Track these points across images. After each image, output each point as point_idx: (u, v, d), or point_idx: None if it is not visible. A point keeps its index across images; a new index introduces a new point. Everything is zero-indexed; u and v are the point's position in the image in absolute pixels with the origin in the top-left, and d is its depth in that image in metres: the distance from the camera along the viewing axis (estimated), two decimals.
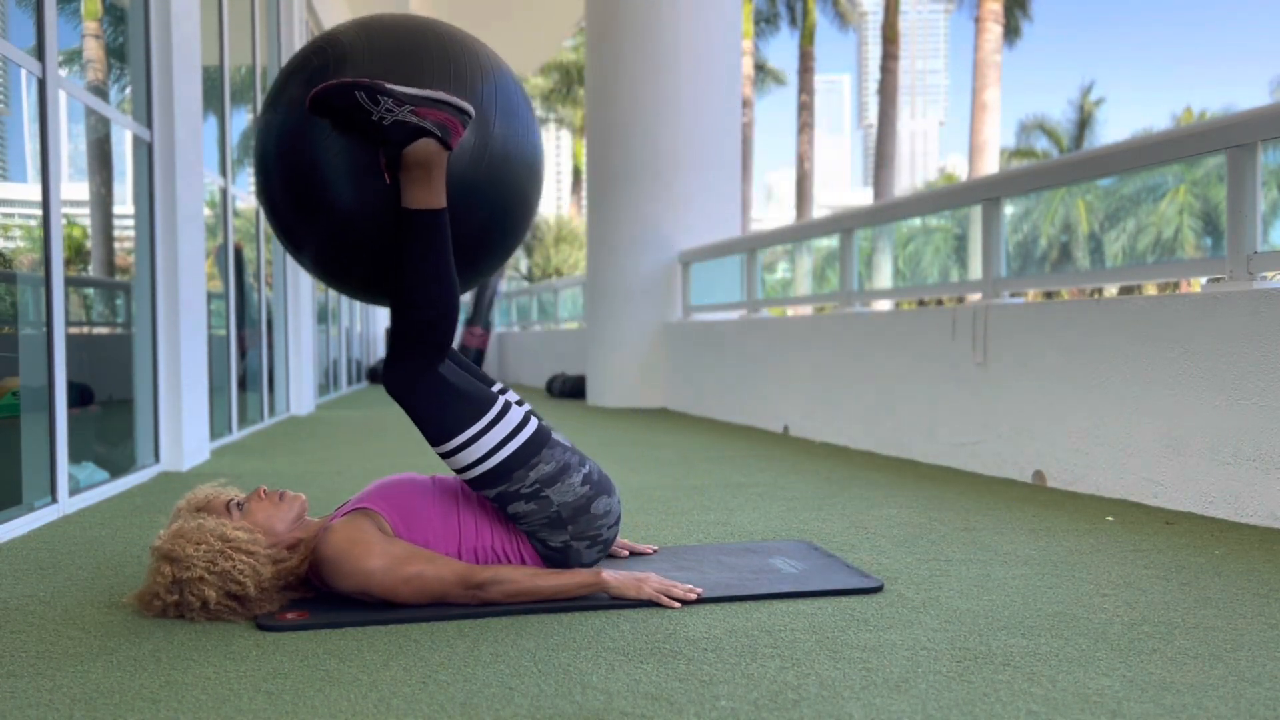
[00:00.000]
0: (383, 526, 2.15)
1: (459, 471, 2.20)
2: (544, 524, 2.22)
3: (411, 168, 2.08)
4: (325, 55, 2.19)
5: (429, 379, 2.15)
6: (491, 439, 2.16)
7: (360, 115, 2.05)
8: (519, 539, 2.26)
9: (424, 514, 2.20)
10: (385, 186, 2.12)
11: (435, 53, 2.19)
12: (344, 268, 2.25)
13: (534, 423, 2.25)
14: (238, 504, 2.18)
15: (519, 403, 2.29)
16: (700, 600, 2.20)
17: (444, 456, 2.19)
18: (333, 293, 11.03)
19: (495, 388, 2.32)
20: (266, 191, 2.26)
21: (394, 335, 2.17)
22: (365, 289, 2.30)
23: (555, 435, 2.28)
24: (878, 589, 2.29)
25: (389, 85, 2.06)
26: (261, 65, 7.43)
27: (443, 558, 2.12)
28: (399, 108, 2.05)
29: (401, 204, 2.11)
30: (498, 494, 2.20)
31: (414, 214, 2.10)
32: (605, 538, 2.29)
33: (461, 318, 16.98)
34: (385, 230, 2.16)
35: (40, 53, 3.48)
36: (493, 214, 2.25)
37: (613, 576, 2.17)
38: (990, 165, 20.89)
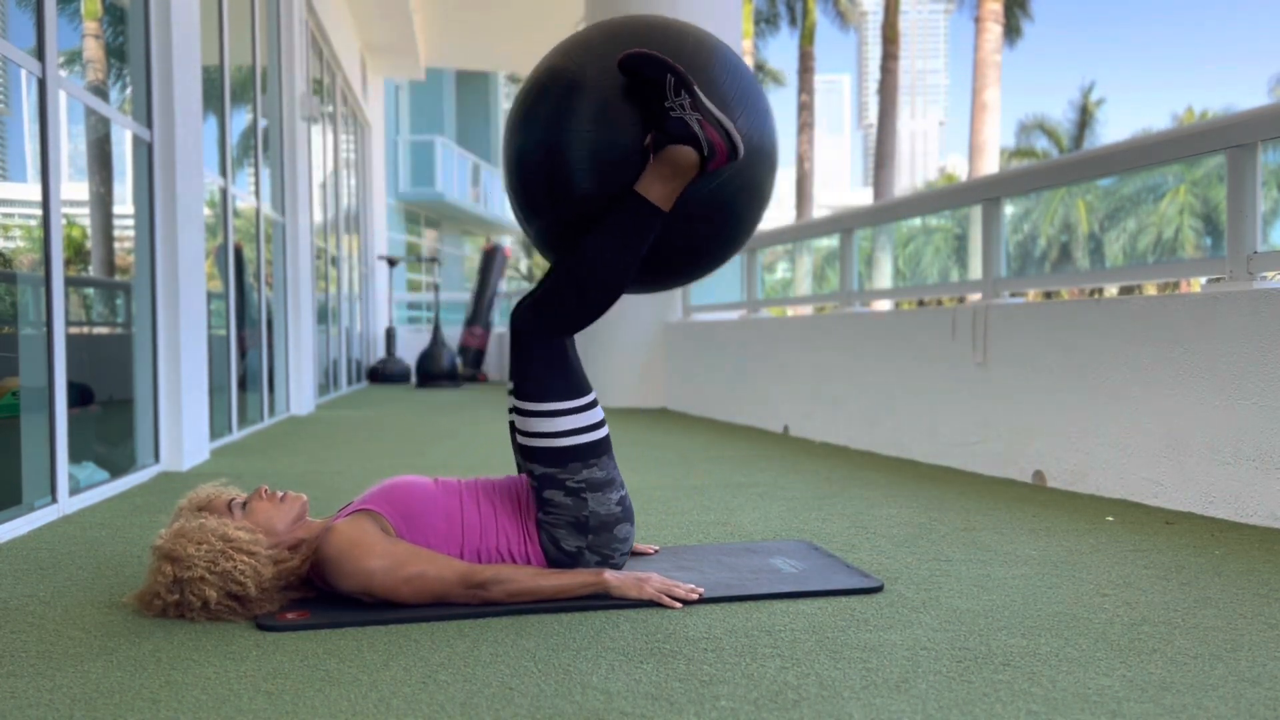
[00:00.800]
0: (385, 527, 2.15)
1: (525, 436, 2.21)
2: (569, 523, 2.22)
3: (664, 163, 2.13)
4: (564, 78, 2.24)
5: (557, 341, 2.20)
6: (571, 422, 2.20)
7: (657, 94, 2.12)
8: (523, 541, 2.25)
9: (426, 515, 2.20)
10: (623, 183, 2.18)
11: (723, 79, 2.25)
12: (563, 239, 2.31)
13: (605, 430, 2.30)
14: (239, 504, 2.18)
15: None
16: (700, 600, 2.20)
17: (522, 414, 2.21)
18: (333, 292, 11.03)
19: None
20: (520, 182, 2.31)
21: (553, 288, 2.19)
22: (556, 247, 2.35)
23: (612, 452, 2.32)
24: (878, 589, 2.29)
25: (697, 89, 2.14)
26: (261, 65, 7.43)
27: (444, 558, 2.13)
28: (690, 111, 2.12)
29: (634, 185, 2.15)
30: (545, 475, 2.21)
31: (639, 199, 2.14)
32: (615, 562, 2.30)
33: (462, 318, 17.00)
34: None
35: (40, 53, 3.48)
36: (705, 244, 2.32)
37: (614, 576, 2.17)
38: (990, 165, 20.88)
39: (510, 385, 2.30)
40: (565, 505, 2.22)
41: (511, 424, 2.39)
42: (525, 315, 2.20)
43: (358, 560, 2.06)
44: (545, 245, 2.37)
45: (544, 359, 2.20)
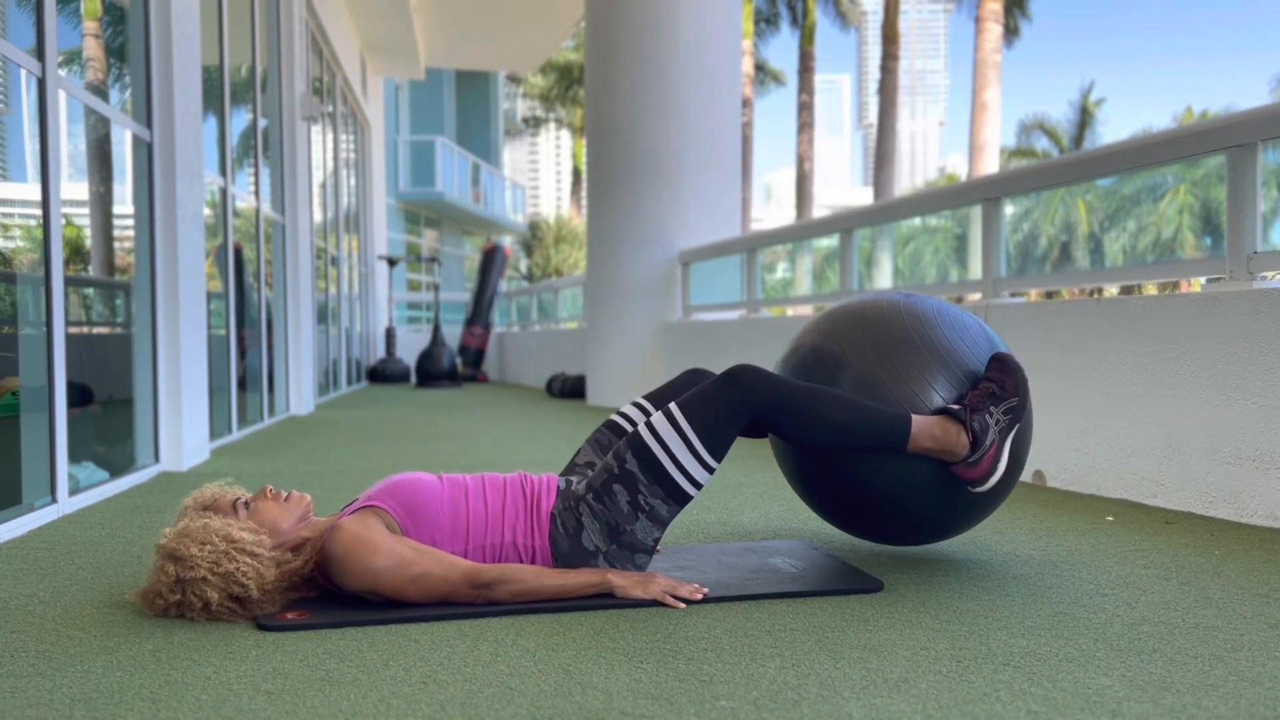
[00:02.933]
0: (390, 525, 2.15)
1: (652, 435, 2.22)
2: (608, 524, 2.22)
3: (943, 429, 2.26)
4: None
5: (750, 414, 2.22)
6: (693, 466, 2.21)
7: (986, 398, 2.29)
8: (530, 533, 2.24)
9: (432, 512, 2.20)
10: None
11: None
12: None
13: (696, 496, 2.40)
14: (244, 503, 2.18)
15: None
16: (701, 600, 2.20)
17: (669, 420, 2.22)
18: (333, 292, 11.03)
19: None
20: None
21: (800, 390, 2.24)
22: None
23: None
24: (878, 589, 2.29)
25: (1020, 420, 2.32)
26: (261, 65, 7.43)
27: (449, 556, 2.12)
28: (996, 428, 2.28)
29: (907, 446, 2.27)
30: (630, 474, 2.21)
31: (904, 423, 2.25)
32: None
33: (461, 318, 17.00)
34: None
35: (40, 53, 3.48)
36: (874, 517, 2.47)
37: (619, 576, 2.17)
38: (990, 165, 20.89)
39: (649, 396, 2.50)
40: (620, 509, 2.21)
41: (613, 425, 2.50)
42: (760, 377, 2.23)
43: (363, 559, 2.06)
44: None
45: (731, 415, 2.21)
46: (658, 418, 2.24)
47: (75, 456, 3.71)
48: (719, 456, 2.23)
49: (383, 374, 13.48)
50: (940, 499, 2.37)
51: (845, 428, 2.24)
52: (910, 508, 2.39)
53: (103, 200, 4.36)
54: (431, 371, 12.63)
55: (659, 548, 2.73)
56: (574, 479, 2.35)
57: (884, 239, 6.08)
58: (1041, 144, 31.14)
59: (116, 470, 4.16)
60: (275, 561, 2.10)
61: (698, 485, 2.24)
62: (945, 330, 2.43)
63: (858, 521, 2.51)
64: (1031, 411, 2.49)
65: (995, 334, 2.55)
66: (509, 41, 15.37)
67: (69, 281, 3.72)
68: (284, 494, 2.23)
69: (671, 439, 2.21)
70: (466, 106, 26.65)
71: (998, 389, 2.30)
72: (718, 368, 6.96)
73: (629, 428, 2.51)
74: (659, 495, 2.21)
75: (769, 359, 6.21)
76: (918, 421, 2.26)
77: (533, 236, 35.63)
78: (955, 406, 2.28)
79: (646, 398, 2.58)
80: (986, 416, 2.27)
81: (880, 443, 2.26)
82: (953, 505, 2.39)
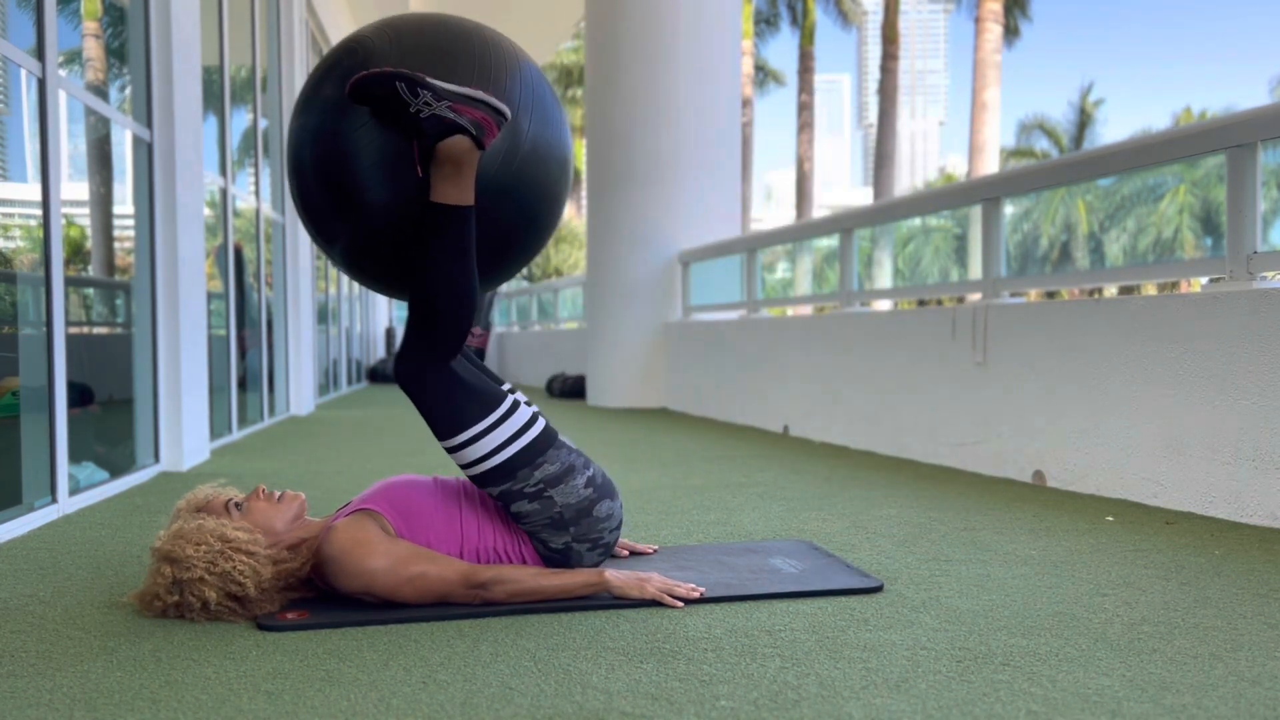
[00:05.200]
0: (385, 527, 2.15)
1: (465, 467, 2.21)
2: (546, 524, 2.22)
3: (443, 163, 2.09)
4: (355, 55, 2.19)
5: (439, 374, 2.16)
6: (498, 436, 2.17)
7: (398, 105, 2.06)
8: (521, 539, 2.26)
9: (426, 514, 2.21)
10: (417, 181, 2.12)
11: (465, 50, 2.19)
12: (374, 261, 2.25)
13: (541, 423, 2.26)
14: (236, 504, 2.18)
15: (527, 403, 2.29)
16: (700, 600, 2.20)
17: (450, 451, 2.19)
18: (333, 292, 11.03)
19: (504, 387, 2.33)
20: (302, 192, 2.26)
21: (409, 328, 2.17)
22: (391, 282, 2.30)
23: (561, 437, 2.29)
24: (878, 589, 2.29)
25: (429, 79, 2.06)
26: (261, 65, 7.43)
27: (445, 557, 2.13)
28: (437, 102, 2.05)
29: (429, 198, 2.11)
30: (501, 492, 2.20)
31: (441, 209, 2.10)
32: (606, 541, 2.29)
33: None
34: (414, 224, 2.16)
35: (40, 53, 3.48)
36: (522, 214, 2.25)
37: (616, 576, 2.17)
38: (990, 165, 20.89)
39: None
40: (535, 510, 2.21)
41: None
42: (403, 369, 2.16)
43: (360, 560, 2.06)
44: (350, 265, 2.29)
45: (439, 395, 2.16)
46: (457, 454, 2.19)
47: (75, 456, 3.71)
48: (491, 404, 2.18)
49: (383, 374, 13.49)
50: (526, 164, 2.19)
51: (455, 277, 2.12)
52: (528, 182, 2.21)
53: (103, 200, 4.35)
54: None
55: (658, 548, 2.73)
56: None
57: (884, 239, 6.08)
58: (1041, 144, 31.15)
59: (116, 470, 4.16)
60: (271, 560, 2.10)
61: (525, 428, 2.19)
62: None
63: (499, 264, 2.32)
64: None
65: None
66: None
67: (69, 281, 3.71)
68: (277, 494, 2.23)
69: (468, 453, 2.17)
70: None
71: (395, 104, 2.06)
72: (718, 368, 6.97)
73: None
74: (529, 473, 2.18)
75: (769, 359, 6.21)
76: (438, 192, 2.09)
77: None
78: (416, 154, 2.10)
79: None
80: (424, 117, 2.05)
81: (465, 235, 2.11)
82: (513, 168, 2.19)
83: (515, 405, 2.24)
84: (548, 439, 2.23)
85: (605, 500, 2.26)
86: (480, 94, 2.08)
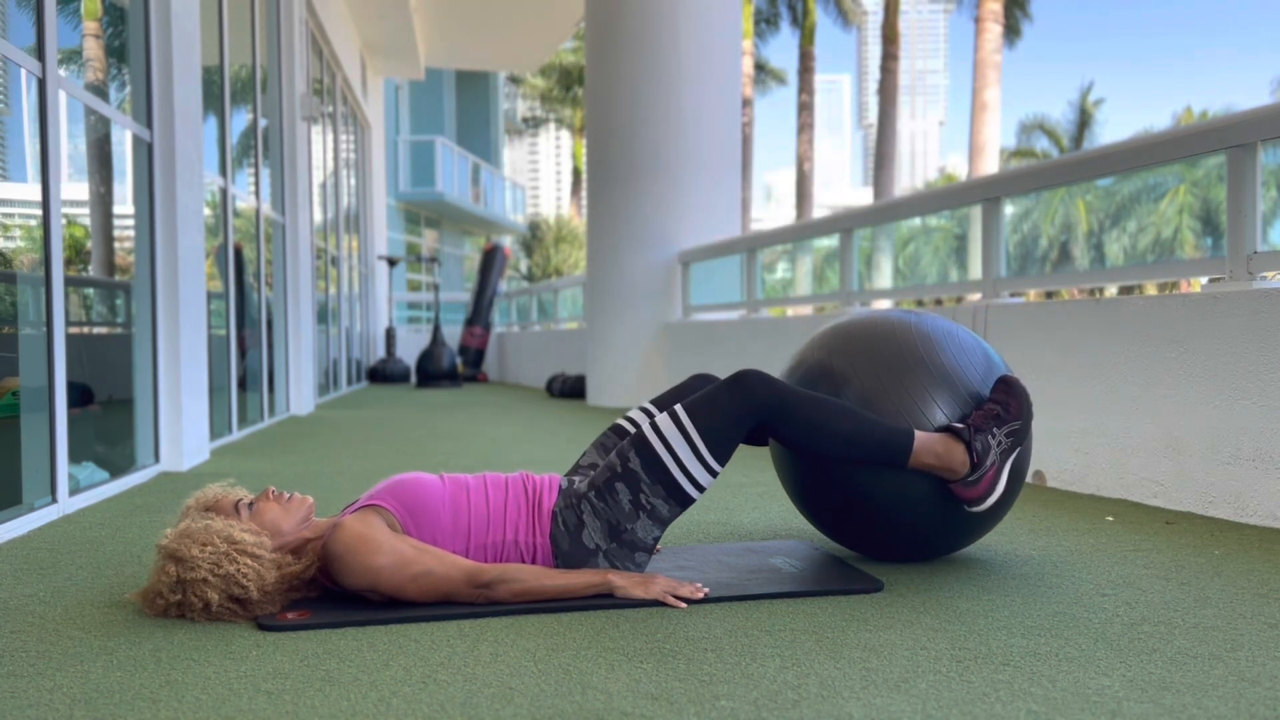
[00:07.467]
0: (392, 523, 2.16)
1: (655, 434, 2.22)
2: (609, 522, 2.22)
3: (944, 446, 2.28)
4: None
5: (755, 418, 2.24)
6: (696, 469, 2.22)
7: (990, 419, 2.31)
8: (531, 532, 2.25)
9: (433, 512, 2.20)
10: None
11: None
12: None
13: (697, 499, 2.39)
14: (246, 504, 2.18)
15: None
16: (700, 600, 2.20)
17: (674, 421, 2.22)
18: (333, 292, 11.03)
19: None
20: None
21: (804, 399, 2.26)
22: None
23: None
24: (878, 589, 2.29)
25: (1019, 449, 2.37)
26: (261, 65, 7.43)
27: (451, 556, 2.13)
28: (999, 449, 2.30)
29: (917, 431, 2.31)
30: (633, 472, 2.22)
31: (908, 439, 2.27)
32: (618, 569, 2.30)
33: (462, 318, 16.99)
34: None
35: (40, 53, 3.48)
36: (868, 530, 2.49)
37: (620, 576, 2.17)
38: (990, 165, 20.89)
39: (655, 400, 2.51)
40: (621, 507, 2.21)
41: (618, 428, 2.51)
42: (766, 383, 2.24)
43: (365, 557, 2.06)
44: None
45: (736, 418, 2.22)
46: (663, 418, 2.25)
47: (75, 456, 3.71)
48: (722, 460, 2.23)
49: (383, 374, 13.49)
50: (936, 515, 2.38)
51: (848, 438, 2.24)
52: (905, 522, 2.40)
53: (103, 200, 4.36)
54: (431, 372, 12.63)
55: (659, 547, 2.73)
56: (577, 478, 2.35)
57: (884, 239, 6.08)
58: (1041, 144, 31.16)
59: (116, 470, 4.16)
60: (276, 564, 2.10)
61: (700, 487, 2.24)
62: (949, 351, 2.43)
63: (851, 532, 2.52)
64: (1031, 431, 2.52)
65: (996, 355, 2.55)
66: (509, 42, 15.37)
67: (69, 281, 3.72)
68: (286, 496, 2.23)
69: (675, 439, 2.21)
70: (466, 106, 26.65)
71: (1002, 411, 2.32)
72: (718, 368, 6.96)
73: (634, 430, 2.51)
74: (660, 495, 2.21)
75: (769, 359, 6.21)
76: (920, 437, 2.27)
77: (533, 236, 35.63)
78: (959, 425, 2.30)
79: (653, 402, 2.58)
80: (989, 437, 2.29)
81: (882, 456, 2.26)
82: (948, 522, 2.40)
83: (715, 478, 2.37)
84: (687, 503, 2.27)
85: (646, 556, 2.29)
86: (1002, 490, 2.35)
